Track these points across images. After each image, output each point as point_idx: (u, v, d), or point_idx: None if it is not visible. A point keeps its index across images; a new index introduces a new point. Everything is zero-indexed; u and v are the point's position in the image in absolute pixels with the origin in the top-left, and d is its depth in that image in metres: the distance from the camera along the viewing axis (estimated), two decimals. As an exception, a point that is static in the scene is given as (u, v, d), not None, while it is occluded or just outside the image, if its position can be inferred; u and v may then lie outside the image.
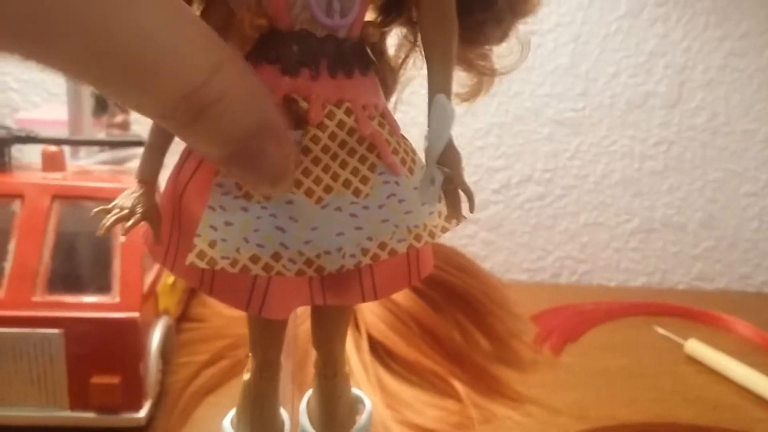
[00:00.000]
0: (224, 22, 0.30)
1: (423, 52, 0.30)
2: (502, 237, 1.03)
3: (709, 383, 0.72)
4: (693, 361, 0.77)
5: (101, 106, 0.77)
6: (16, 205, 0.56)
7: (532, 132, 0.99)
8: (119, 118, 0.81)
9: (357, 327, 0.68)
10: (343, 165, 0.27)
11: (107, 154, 0.72)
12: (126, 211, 0.28)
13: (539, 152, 1.00)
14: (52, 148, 0.62)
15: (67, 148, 0.68)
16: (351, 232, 0.27)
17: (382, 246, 0.27)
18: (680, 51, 0.97)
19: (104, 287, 0.54)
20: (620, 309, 0.90)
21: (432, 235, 0.30)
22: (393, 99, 0.35)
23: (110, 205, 0.29)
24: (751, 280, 1.07)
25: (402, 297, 0.70)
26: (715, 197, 1.03)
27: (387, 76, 0.35)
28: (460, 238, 1.01)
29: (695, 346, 0.77)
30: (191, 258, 0.25)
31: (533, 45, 0.97)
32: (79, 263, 0.56)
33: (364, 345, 0.67)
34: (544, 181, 1.01)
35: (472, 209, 0.28)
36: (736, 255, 1.06)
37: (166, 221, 0.29)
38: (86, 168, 0.65)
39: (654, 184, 1.02)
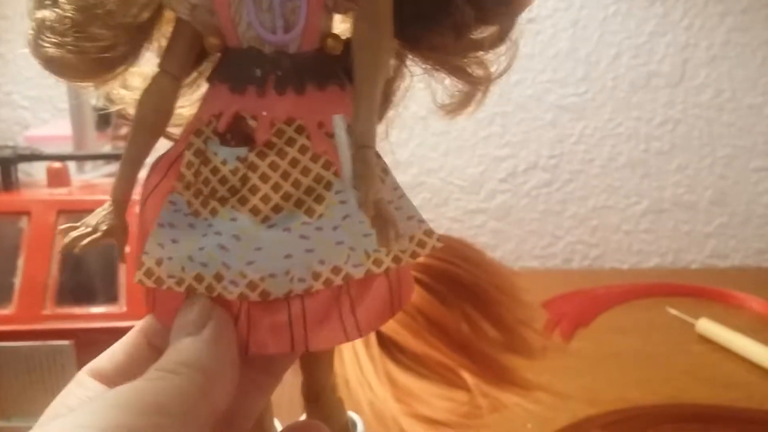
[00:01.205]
0: (193, 44, 0.31)
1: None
2: (511, 225, 1.03)
3: (721, 362, 0.72)
4: (705, 340, 0.77)
5: (104, 120, 0.78)
6: (24, 222, 0.58)
7: (535, 119, 0.99)
8: (123, 131, 0.82)
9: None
10: (296, 184, 0.26)
11: (112, 167, 0.73)
12: (89, 229, 0.29)
13: (544, 139, 1.00)
14: (57, 164, 0.63)
15: (72, 163, 0.70)
16: (300, 255, 0.25)
17: (335, 270, 0.26)
18: (681, 29, 0.97)
19: (111, 297, 0.55)
20: (632, 291, 0.90)
21: (397, 260, 0.28)
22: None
23: (78, 223, 0.29)
24: (766, 255, 1.06)
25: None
26: (724, 174, 1.03)
27: None
28: (468, 228, 1.01)
29: (706, 325, 0.77)
30: (139, 276, 0.25)
31: (532, 32, 0.97)
32: (86, 275, 0.58)
33: (373, 339, 0.68)
34: (550, 167, 1.01)
35: (396, 233, 0.26)
36: (750, 231, 1.05)
37: (135, 237, 0.29)
38: (91, 182, 0.67)
39: (662, 164, 1.02)
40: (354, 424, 0.36)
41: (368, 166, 0.25)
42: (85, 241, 0.28)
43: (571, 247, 1.04)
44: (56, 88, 0.93)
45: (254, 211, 0.25)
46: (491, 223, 1.03)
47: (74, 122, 0.76)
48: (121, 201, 0.30)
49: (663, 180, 1.02)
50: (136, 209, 0.30)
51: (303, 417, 0.36)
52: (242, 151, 0.26)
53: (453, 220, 1.02)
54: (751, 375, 0.69)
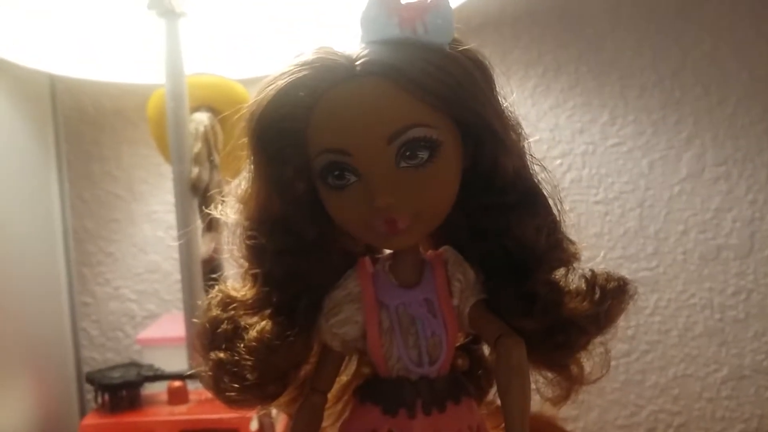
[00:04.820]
0: (339, 366, 0.37)
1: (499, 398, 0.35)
2: (592, 395, 1.05)
3: None
4: None
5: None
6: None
7: (609, 294, 1.03)
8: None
9: None
10: None
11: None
12: None
13: (619, 312, 1.03)
14: (177, 382, 0.70)
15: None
16: None
17: None
18: (746, 204, 1.01)
19: None
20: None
21: None
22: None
23: None
24: None
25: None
26: (803, 338, 1.03)
27: (482, 380, 0.41)
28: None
29: None
30: None
31: (600, 213, 1.00)
32: None
33: None
34: (627, 338, 1.04)
35: None
36: (836, 394, 1.05)
37: None
38: (207, 395, 0.73)
39: (738, 332, 1.03)
40: None
41: None
42: None
43: (655, 416, 1.05)
44: (162, 282, 1.02)
45: None
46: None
47: (188, 324, 0.82)
48: None
49: (741, 347, 1.04)
50: None
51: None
52: None
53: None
54: None
